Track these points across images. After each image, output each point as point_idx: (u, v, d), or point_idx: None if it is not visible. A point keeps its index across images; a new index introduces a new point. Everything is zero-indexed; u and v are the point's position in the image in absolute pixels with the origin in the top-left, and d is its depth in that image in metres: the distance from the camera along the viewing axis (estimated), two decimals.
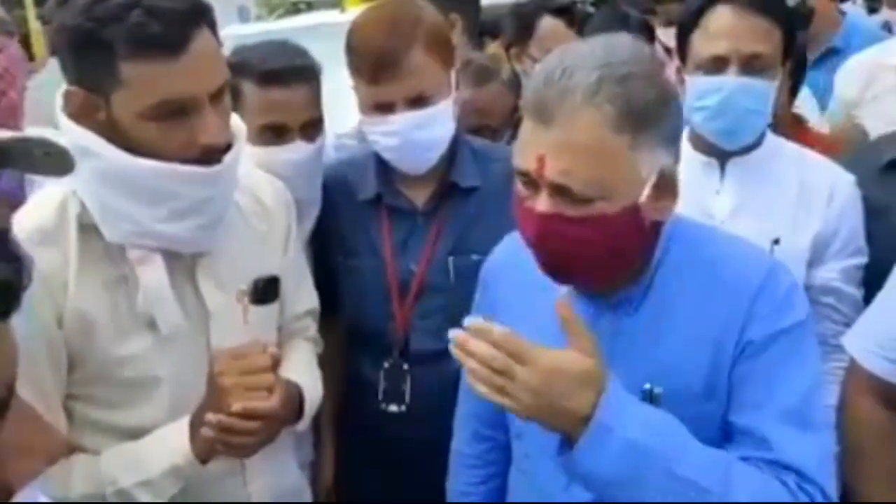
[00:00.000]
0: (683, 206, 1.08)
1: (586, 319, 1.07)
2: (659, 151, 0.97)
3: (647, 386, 1.02)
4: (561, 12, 2.52)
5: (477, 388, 0.93)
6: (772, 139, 1.60)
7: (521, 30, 2.53)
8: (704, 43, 1.49)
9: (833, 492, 0.98)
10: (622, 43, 0.98)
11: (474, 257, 1.44)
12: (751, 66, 1.46)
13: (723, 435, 1.02)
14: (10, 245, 0.57)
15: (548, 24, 2.49)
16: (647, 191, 0.97)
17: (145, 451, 1.17)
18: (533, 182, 0.97)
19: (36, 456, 0.60)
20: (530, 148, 0.96)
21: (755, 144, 1.56)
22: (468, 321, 0.94)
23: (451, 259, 1.51)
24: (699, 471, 0.93)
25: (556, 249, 0.99)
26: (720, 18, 1.47)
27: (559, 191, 0.95)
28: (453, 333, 0.94)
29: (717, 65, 1.48)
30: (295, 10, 7.25)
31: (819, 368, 1.05)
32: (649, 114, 0.94)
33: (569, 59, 0.96)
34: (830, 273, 1.52)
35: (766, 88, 1.48)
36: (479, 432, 1.30)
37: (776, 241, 1.48)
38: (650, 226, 1.00)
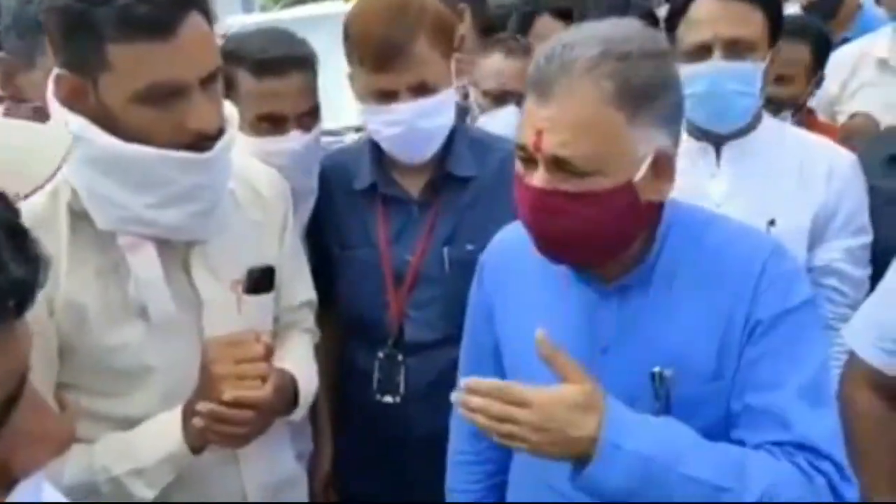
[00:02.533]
0: (679, 191, 1.10)
1: (590, 305, 1.09)
2: (656, 131, 0.98)
3: (657, 369, 1.03)
4: (561, 14, 2.60)
5: (492, 437, 0.98)
6: (769, 122, 1.62)
7: (520, 25, 2.59)
8: (689, 31, 1.53)
9: (845, 463, 1.00)
10: (628, 24, 1.01)
11: (469, 247, 1.43)
12: (733, 50, 1.48)
13: (736, 415, 1.03)
14: (28, 244, 0.58)
15: (545, 22, 2.56)
16: (643, 170, 0.97)
17: (138, 440, 1.16)
18: (530, 157, 0.98)
19: (45, 445, 0.61)
20: (529, 123, 0.98)
21: (750, 128, 1.57)
22: (462, 382, 0.99)
23: (445, 249, 1.50)
24: (712, 470, 0.95)
25: (551, 225, 0.99)
26: (701, 7, 1.51)
27: (557, 164, 0.96)
28: (453, 397, 0.99)
29: (701, 52, 1.51)
30: (299, 0, 7.21)
31: (826, 345, 1.09)
32: (648, 92, 0.95)
33: (571, 36, 0.98)
34: (832, 253, 1.53)
35: (752, 70, 1.50)
36: (477, 429, 1.29)
37: (772, 223, 1.50)
38: (646, 207, 1.01)
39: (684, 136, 1.59)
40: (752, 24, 1.49)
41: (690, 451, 0.96)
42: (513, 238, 1.22)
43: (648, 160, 0.97)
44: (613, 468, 0.94)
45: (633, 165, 0.97)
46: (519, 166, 1.02)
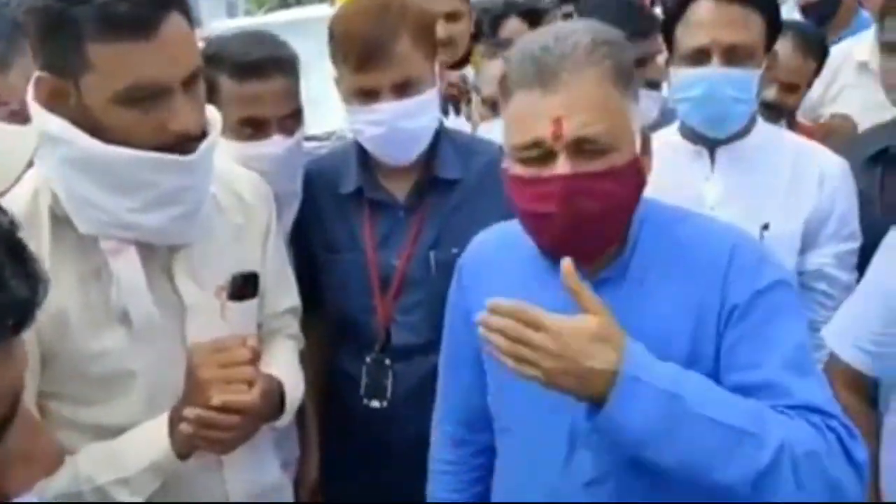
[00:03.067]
0: (673, 193, 1.13)
1: (569, 300, 1.07)
2: (637, 109, 1.04)
3: None
4: (527, 15, 2.62)
5: (504, 361, 0.97)
6: (763, 126, 1.62)
7: (491, 28, 2.61)
8: (686, 35, 1.52)
9: (849, 422, 1.01)
10: (589, 21, 1.09)
11: (454, 251, 1.43)
12: (732, 55, 1.47)
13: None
14: (28, 262, 0.58)
15: (512, 25, 2.58)
16: (638, 145, 1.03)
17: (124, 448, 1.15)
18: (548, 150, 0.99)
19: (36, 465, 0.61)
20: (539, 115, 0.99)
21: (744, 132, 1.57)
22: (487, 301, 0.98)
23: (432, 253, 1.50)
24: (733, 413, 0.95)
25: (584, 210, 1.00)
26: (701, 10, 1.50)
27: (578, 147, 0.98)
28: (476, 318, 0.98)
29: (699, 56, 1.50)
30: (284, 4, 7.21)
31: (804, 322, 1.10)
32: (631, 73, 1.03)
33: (554, 31, 1.03)
34: (823, 258, 1.54)
35: (749, 76, 1.50)
36: (459, 436, 1.30)
37: (765, 227, 1.50)
38: (643, 184, 1.06)
39: (679, 138, 1.60)
40: (751, 30, 1.48)
41: (710, 394, 0.97)
42: (491, 239, 1.23)
43: (639, 136, 1.04)
44: (635, 403, 0.93)
45: (632, 141, 1.03)
46: (521, 169, 1.02)
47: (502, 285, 1.16)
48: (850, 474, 0.98)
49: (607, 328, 0.96)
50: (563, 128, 0.97)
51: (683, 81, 1.52)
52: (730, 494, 0.96)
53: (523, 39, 1.05)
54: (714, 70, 1.48)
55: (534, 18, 2.69)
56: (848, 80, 2.47)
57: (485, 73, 2.17)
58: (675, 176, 1.52)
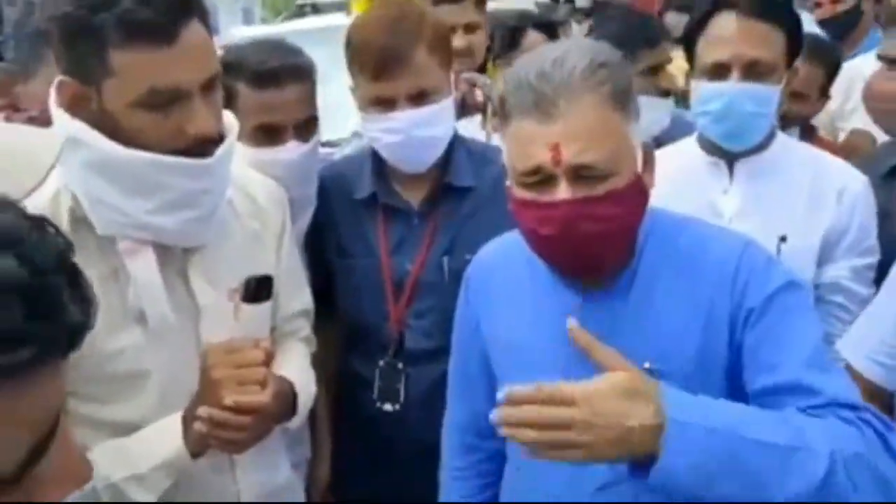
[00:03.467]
0: (692, 205, 1.14)
1: (577, 310, 1.09)
2: (637, 127, 1.04)
3: (647, 365, 1.03)
4: (543, 26, 2.66)
5: (538, 453, 0.90)
6: (782, 140, 1.61)
7: (508, 42, 2.63)
8: (708, 49, 1.52)
9: (880, 413, 1.01)
10: (586, 40, 1.09)
11: (468, 257, 1.43)
12: (752, 71, 1.47)
13: (759, 398, 1.03)
14: (82, 285, 0.59)
15: (532, 37, 2.61)
16: (640, 163, 1.04)
17: (138, 446, 1.16)
18: (547, 176, 1.00)
19: (68, 481, 0.61)
20: (538, 143, 0.99)
21: (763, 145, 1.57)
22: (500, 394, 0.90)
23: (445, 259, 1.51)
24: (777, 432, 0.93)
25: (586, 233, 1.00)
26: (722, 25, 1.49)
27: (579, 173, 0.99)
28: (492, 416, 0.90)
29: (719, 71, 1.50)
30: (300, 12, 7.25)
31: (818, 321, 1.11)
32: (628, 92, 1.03)
33: (552, 53, 1.02)
34: (840, 271, 1.53)
35: (769, 92, 1.50)
36: (469, 443, 1.30)
37: (783, 239, 1.49)
38: (647, 198, 1.06)
39: (697, 150, 1.61)
40: (773, 46, 1.48)
41: (750, 417, 0.94)
42: (497, 250, 1.24)
43: (640, 153, 1.04)
44: (688, 447, 0.88)
45: (634, 160, 1.03)
46: (523, 193, 1.03)
47: (509, 294, 1.18)
48: (891, 464, 0.96)
49: (635, 381, 0.91)
50: (561, 154, 0.98)
51: (703, 95, 1.52)
52: None
53: (520, 62, 1.04)
54: (734, 85, 1.48)
55: (551, 31, 2.70)
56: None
57: (499, 85, 2.19)
58: (693, 188, 1.53)
